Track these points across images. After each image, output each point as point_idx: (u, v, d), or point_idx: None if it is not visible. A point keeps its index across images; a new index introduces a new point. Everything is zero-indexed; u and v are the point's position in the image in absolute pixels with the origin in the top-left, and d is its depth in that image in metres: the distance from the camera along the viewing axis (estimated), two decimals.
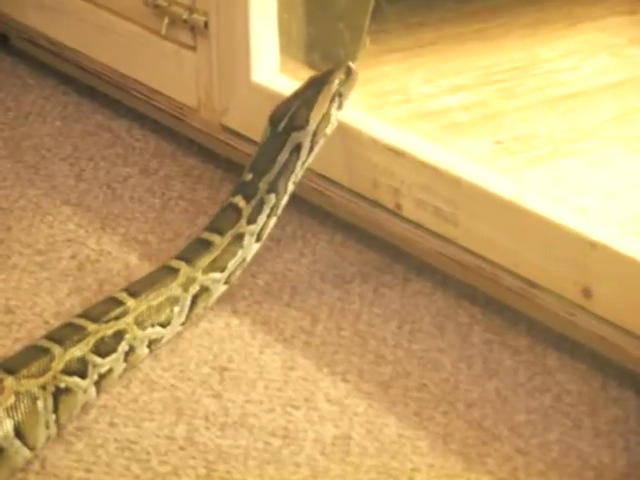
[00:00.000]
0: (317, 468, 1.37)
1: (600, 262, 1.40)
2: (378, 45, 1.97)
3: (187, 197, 1.80)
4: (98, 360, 1.44)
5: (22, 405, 1.38)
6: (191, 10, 1.83)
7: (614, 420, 1.43)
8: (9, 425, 1.35)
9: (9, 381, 1.36)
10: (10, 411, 1.36)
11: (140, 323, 1.51)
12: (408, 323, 1.59)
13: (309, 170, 1.70)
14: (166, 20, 1.87)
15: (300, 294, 1.69)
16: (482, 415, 1.42)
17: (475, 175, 1.53)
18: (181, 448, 1.40)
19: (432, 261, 1.65)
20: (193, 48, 1.89)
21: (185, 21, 1.83)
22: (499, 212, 1.50)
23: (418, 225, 1.60)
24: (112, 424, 1.46)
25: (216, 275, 1.60)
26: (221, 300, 1.65)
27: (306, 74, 1.74)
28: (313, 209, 1.83)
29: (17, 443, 1.35)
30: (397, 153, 1.59)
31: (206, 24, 1.82)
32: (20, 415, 1.38)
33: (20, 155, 2.02)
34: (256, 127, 1.67)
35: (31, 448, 1.36)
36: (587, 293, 1.43)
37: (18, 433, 1.34)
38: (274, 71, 1.79)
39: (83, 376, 1.43)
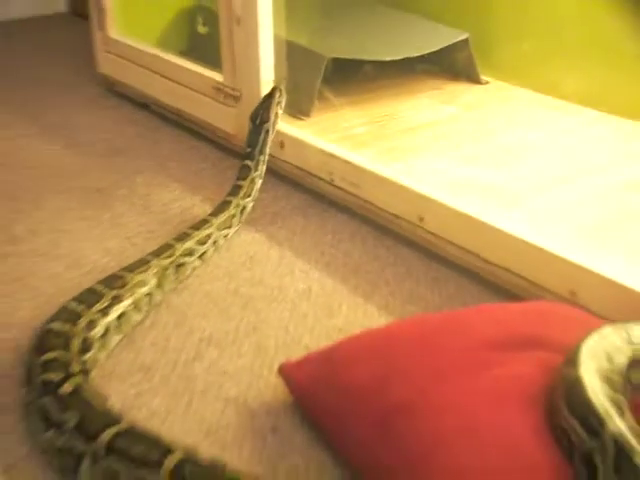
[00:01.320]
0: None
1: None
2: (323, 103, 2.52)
3: (232, 176, 2.19)
4: (199, 247, 1.92)
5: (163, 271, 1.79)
6: (233, 89, 2.39)
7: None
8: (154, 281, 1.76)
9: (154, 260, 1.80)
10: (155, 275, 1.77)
11: (218, 228, 1.97)
12: (337, 234, 2.13)
13: (289, 163, 2.25)
14: (222, 95, 2.45)
15: (284, 220, 2.21)
16: None
17: (371, 165, 2.07)
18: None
19: (346, 203, 2.18)
20: (233, 107, 2.42)
21: (230, 95, 2.40)
22: (380, 181, 2.06)
23: (342, 188, 2.13)
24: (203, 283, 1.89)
25: (248, 200, 2.10)
26: (247, 220, 2.10)
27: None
28: (290, 182, 2.35)
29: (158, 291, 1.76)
30: (332, 155, 2.15)
31: (239, 96, 2.38)
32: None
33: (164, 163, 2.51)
34: None
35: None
36: (421, 220, 1.96)
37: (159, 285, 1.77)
38: None
39: (191, 255, 1.90)
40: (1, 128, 2.67)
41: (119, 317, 1.68)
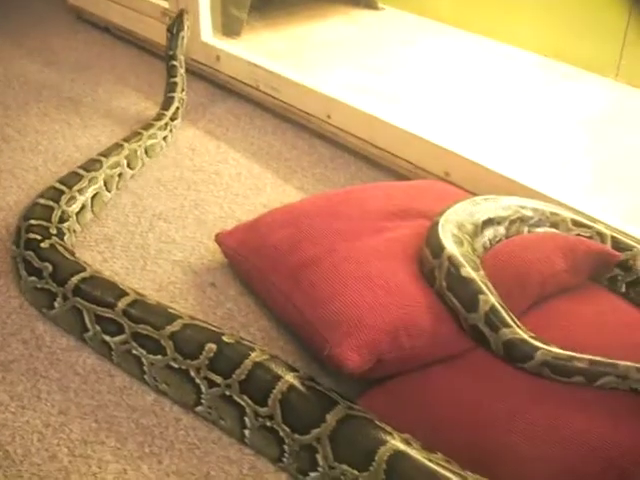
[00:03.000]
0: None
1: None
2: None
3: None
4: (161, 132, 1.91)
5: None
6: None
7: None
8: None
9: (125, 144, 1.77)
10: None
11: (171, 118, 1.97)
12: (263, 129, 2.13)
13: (223, 73, 2.22)
14: (167, 18, 2.31)
15: (220, 119, 2.18)
16: None
17: (288, 73, 2.07)
18: None
19: (269, 105, 2.16)
20: None
21: None
22: (295, 86, 2.05)
23: (266, 92, 2.12)
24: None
25: (184, 93, 2.07)
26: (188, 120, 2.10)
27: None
28: (224, 89, 2.27)
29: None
30: (257, 66, 2.14)
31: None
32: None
33: (122, 75, 2.39)
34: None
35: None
36: (329, 117, 1.98)
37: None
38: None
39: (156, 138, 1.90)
40: None
41: (93, 196, 1.67)
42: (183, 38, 2.06)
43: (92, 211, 1.66)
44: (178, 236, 1.64)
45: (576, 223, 1.43)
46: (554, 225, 1.43)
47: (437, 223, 1.31)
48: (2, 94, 2.21)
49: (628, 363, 1.11)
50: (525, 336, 1.15)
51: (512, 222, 1.41)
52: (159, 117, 1.93)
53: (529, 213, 1.43)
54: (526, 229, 1.43)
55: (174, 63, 2.03)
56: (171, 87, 2.01)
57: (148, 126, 1.88)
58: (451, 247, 1.25)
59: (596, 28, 2.19)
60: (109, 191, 1.72)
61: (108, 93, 2.25)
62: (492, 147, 1.80)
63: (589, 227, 1.42)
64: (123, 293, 1.29)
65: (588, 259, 1.33)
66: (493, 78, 2.23)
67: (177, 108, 1.99)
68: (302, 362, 1.31)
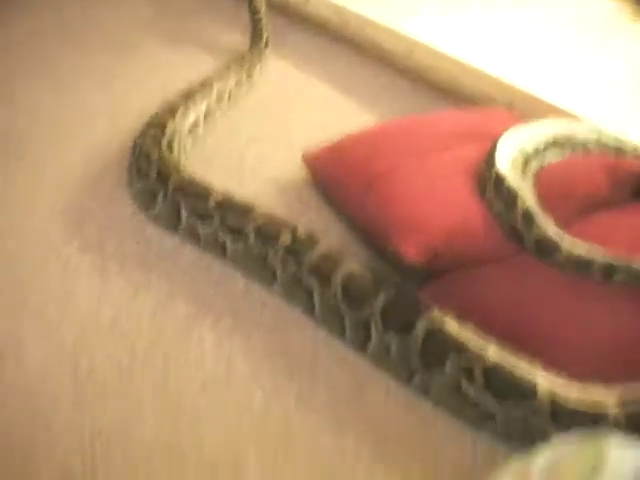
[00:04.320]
0: None
1: None
2: None
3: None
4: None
5: None
6: None
7: None
8: None
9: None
10: None
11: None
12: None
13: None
14: None
15: (305, 54, 2.33)
16: None
17: (371, 11, 2.21)
18: None
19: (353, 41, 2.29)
20: None
21: None
22: None
23: (354, 32, 2.27)
24: None
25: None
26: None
27: None
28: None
29: None
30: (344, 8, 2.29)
31: None
32: None
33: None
34: None
35: None
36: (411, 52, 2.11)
37: None
38: None
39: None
40: None
41: (206, 111, 1.82)
42: None
43: (204, 126, 1.81)
44: (270, 157, 1.78)
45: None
46: (616, 152, 1.52)
47: (497, 141, 1.45)
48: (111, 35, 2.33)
49: None
50: (553, 234, 1.30)
51: (572, 146, 1.52)
52: (253, 48, 2.09)
53: (591, 139, 1.54)
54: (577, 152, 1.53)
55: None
56: (257, 22, 2.15)
57: (246, 56, 2.05)
58: (502, 162, 1.39)
59: None
60: (220, 109, 1.86)
61: (204, 30, 2.36)
62: (559, 84, 1.87)
63: None
64: (215, 191, 1.48)
65: (631, 177, 1.44)
66: (567, 19, 2.26)
67: (266, 40, 2.12)
68: (373, 262, 1.47)
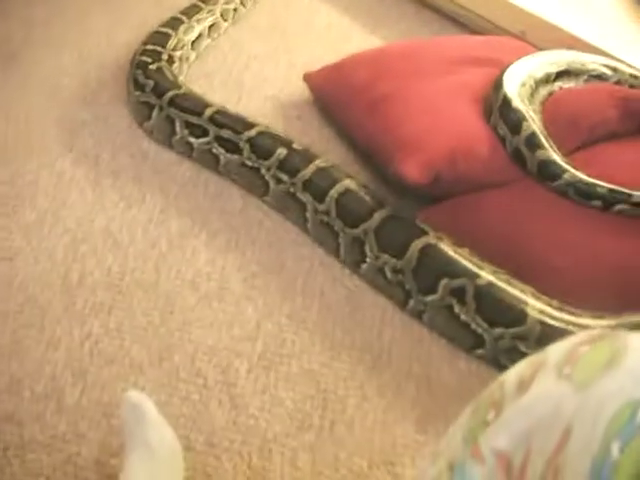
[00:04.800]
0: None
1: None
2: None
3: None
4: None
5: None
6: None
7: None
8: None
9: None
10: None
11: None
12: None
13: None
14: None
15: None
16: None
17: None
18: None
19: None
20: None
21: None
22: None
23: None
24: None
25: None
26: None
27: None
28: None
29: None
30: None
31: None
32: None
33: None
34: None
35: None
36: None
37: None
38: None
39: None
40: None
41: (210, 26, 1.80)
42: None
43: (207, 41, 1.80)
44: (271, 75, 1.75)
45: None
46: (630, 85, 1.50)
47: (507, 67, 1.43)
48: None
49: None
50: (557, 158, 1.28)
51: (586, 76, 1.50)
52: None
53: (605, 70, 1.51)
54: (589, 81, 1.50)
55: None
56: None
57: None
58: (510, 85, 1.37)
59: None
60: (225, 21, 1.85)
61: None
62: (570, 9, 1.84)
63: None
64: (210, 105, 1.46)
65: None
66: None
67: None
68: (373, 184, 1.44)
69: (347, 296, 1.28)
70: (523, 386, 0.56)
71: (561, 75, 1.49)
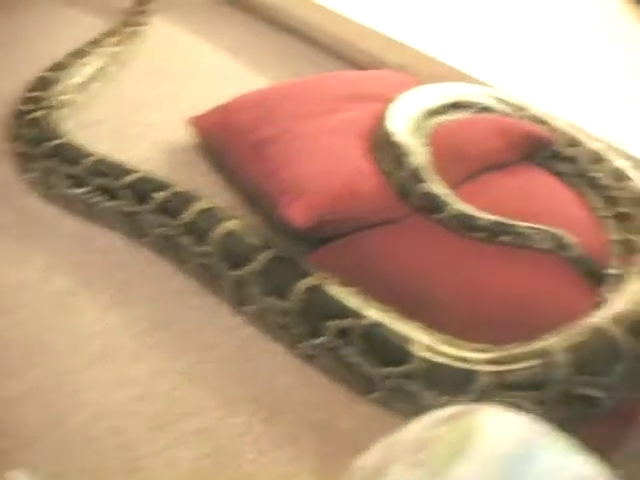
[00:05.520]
0: None
1: None
2: None
3: None
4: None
5: None
6: None
7: None
8: None
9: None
10: None
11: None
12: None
13: None
14: None
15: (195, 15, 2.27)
16: None
17: None
18: None
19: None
20: None
21: None
22: None
23: None
24: None
25: None
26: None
27: None
28: None
29: None
30: None
31: None
32: None
33: None
34: None
35: None
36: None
37: None
38: None
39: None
40: None
41: (97, 70, 1.77)
42: None
43: (91, 88, 1.76)
44: (157, 120, 1.72)
45: (533, 118, 1.51)
46: (514, 116, 1.51)
47: (393, 101, 1.44)
48: None
49: (525, 224, 1.25)
50: (441, 190, 1.28)
51: (475, 109, 1.51)
52: (141, 9, 2.02)
53: (493, 102, 1.53)
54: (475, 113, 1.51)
55: None
56: None
57: (133, 17, 1.99)
58: (395, 120, 1.38)
59: None
60: (112, 65, 1.82)
61: None
62: (449, 42, 1.85)
63: (546, 122, 1.50)
64: (90, 154, 1.43)
65: (524, 140, 1.43)
66: None
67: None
68: (263, 228, 1.42)
69: (240, 346, 1.25)
70: (379, 474, 0.53)
71: (450, 108, 1.50)
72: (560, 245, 1.25)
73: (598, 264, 1.25)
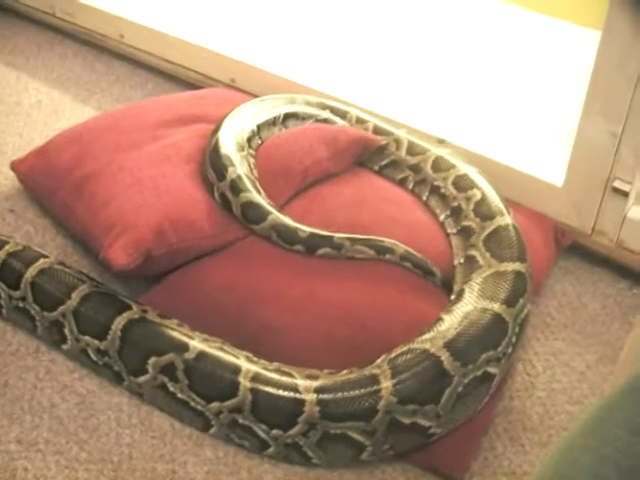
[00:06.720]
0: None
1: None
2: None
3: None
4: None
5: None
6: None
7: None
8: None
9: None
10: None
11: None
12: (63, 55, 2.10)
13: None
14: None
15: (21, 49, 2.16)
16: None
17: None
18: None
19: (67, 31, 2.12)
20: None
21: None
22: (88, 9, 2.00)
23: (63, 19, 2.08)
24: None
25: None
26: None
27: None
28: (25, 19, 2.20)
29: None
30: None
31: None
32: None
33: None
34: None
35: None
36: (122, 37, 1.95)
37: None
38: None
39: None
40: None
41: None
42: None
43: None
44: None
45: (359, 120, 1.49)
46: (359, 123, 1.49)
47: (227, 114, 1.40)
48: None
49: (342, 235, 1.23)
50: (260, 200, 1.26)
51: (289, 119, 1.47)
52: None
53: (309, 110, 1.49)
54: (305, 124, 1.47)
55: None
56: None
57: None
58: (225, 132, 1.35)
59: None
60: None
61: None
62: (274, 53, 1.83)
63: (388, 132, 1.47)
64: None
65: (350, 146, 1.41)
66: None
67: None
68: (95, 272, 1.35)
69: (79, 403, 1.17)
70: None
71: (286, 119, 1.47)
72: (385, 253, 1.24)
73: (435, 269, 1.24)
